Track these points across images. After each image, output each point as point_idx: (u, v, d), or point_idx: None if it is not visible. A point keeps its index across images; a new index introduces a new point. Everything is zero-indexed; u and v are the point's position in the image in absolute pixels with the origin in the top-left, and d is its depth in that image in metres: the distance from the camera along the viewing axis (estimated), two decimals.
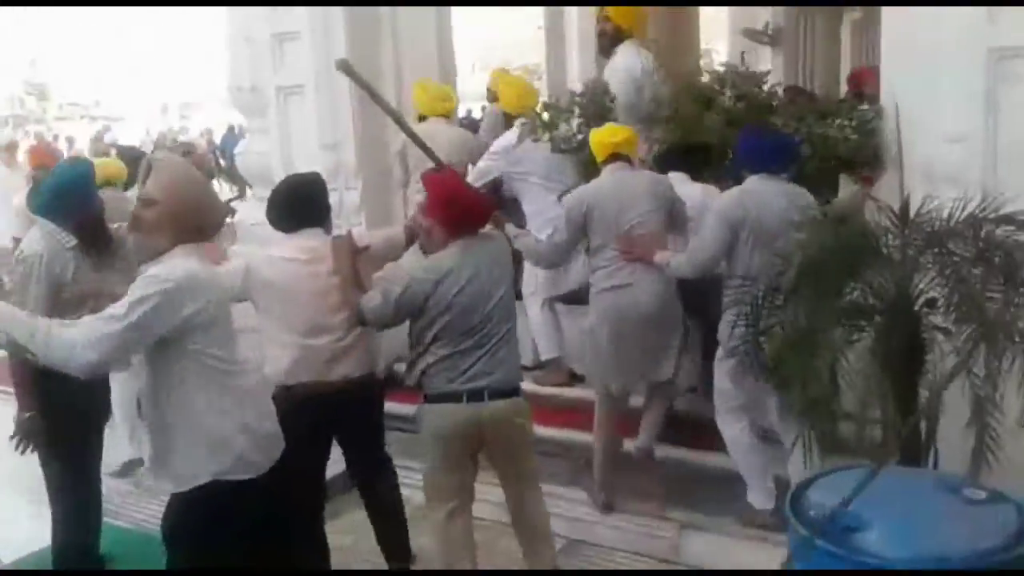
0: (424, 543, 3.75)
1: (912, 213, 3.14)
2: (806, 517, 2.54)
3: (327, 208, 3.74)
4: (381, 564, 3.88)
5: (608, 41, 5.31)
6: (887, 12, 4.26)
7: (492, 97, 7.79)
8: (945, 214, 3.09)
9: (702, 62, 7.20)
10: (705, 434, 4.62)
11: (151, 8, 39.92)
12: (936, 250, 3.07)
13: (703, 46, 12.87)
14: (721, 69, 5.21)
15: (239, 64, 5.88)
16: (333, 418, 3.56)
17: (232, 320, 2.81)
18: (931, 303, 3.09)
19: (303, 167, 5.09)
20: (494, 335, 3.33)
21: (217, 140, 14.68)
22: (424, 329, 3.32)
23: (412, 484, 3.87)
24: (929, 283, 3.09)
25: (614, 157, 4.30)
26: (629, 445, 4.59)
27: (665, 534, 4.15)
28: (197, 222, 2.70)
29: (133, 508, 4.70)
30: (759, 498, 4.04)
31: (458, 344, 3.29)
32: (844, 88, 7.56)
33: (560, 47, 9.90)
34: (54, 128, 32.59)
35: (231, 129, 13.51)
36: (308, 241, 3.56)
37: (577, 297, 5.01)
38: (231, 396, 2.67)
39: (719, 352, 4.01)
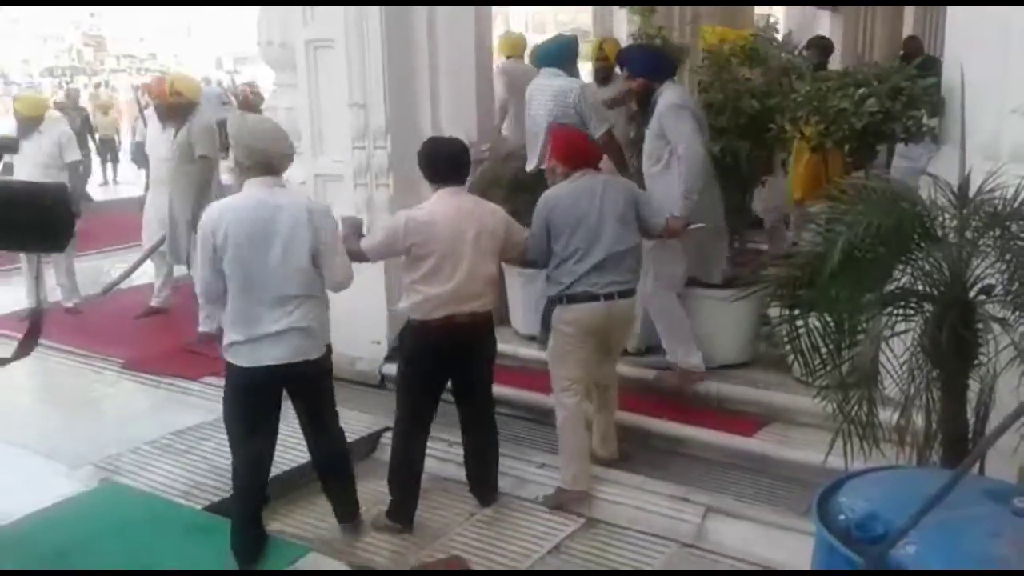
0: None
1: (972, 192, 2.88)
2: (835, 522, 2.32)
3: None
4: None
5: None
6: None
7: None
8: (1010, 193, 2.82)
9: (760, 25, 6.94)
10: (734, 418, 4.60)
11: None
12: (997, 232, 2.81)
13: (761, 11, 12.46)
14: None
15: (270, 18, 5.70)
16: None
17: None
18: (988, 290, 2.83)
19: (330, 124, 4.95)
20: (613, 244, 4.10)
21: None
22: (563, 247, 4.08)
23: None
24: (987, 269, 2.83)
25: None
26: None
27: (690, 518, 3.96)
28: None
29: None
30: (694, 360, 4.79)
31: (589, 258, 4.05)
32: None
33: (608, 11, 9.64)
34: (111, 80, 32.92)
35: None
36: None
37: None
38: None
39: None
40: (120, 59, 42.65)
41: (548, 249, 4.13)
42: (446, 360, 4.03)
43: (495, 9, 6.30)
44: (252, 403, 3.62)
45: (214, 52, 40.63)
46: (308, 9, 5.36)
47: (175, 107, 6.55)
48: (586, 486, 4.16)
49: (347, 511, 3.99)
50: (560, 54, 5.37)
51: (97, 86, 26.67)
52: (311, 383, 3.72)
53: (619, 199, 4.18)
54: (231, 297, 3.52)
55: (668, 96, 4.70)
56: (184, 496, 4.23)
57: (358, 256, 3.94)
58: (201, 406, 5.23)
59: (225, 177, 6.52)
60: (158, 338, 6.56)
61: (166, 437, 4.86)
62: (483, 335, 4.10)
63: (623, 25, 8.97)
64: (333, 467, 3.95)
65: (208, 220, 3.49)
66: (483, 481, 4.25)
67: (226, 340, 3.57)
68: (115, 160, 15.89)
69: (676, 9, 8.84)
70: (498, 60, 7.42)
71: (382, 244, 4.01)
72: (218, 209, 3.52)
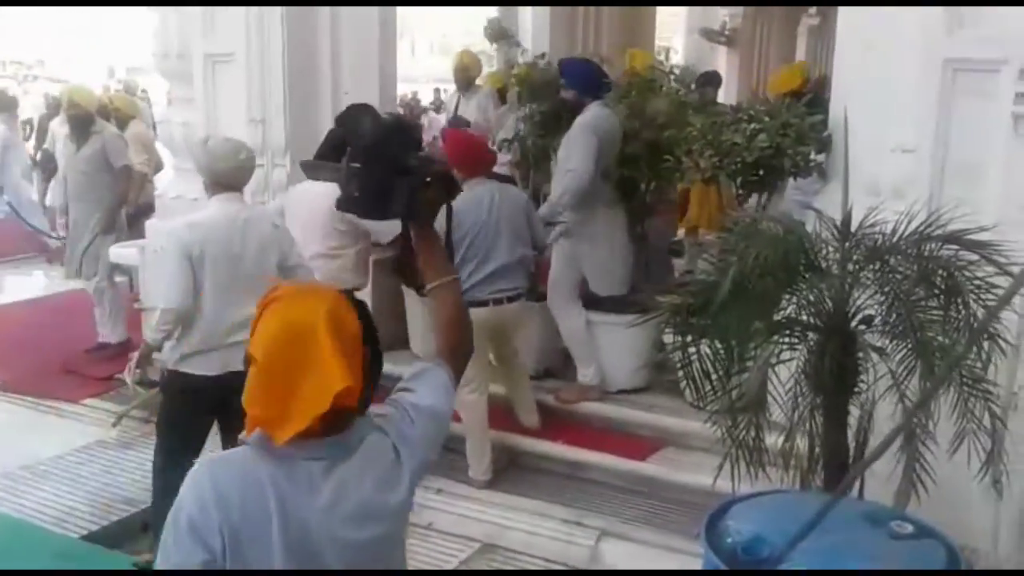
0: None
1: (854, 226, 3.00)
2: (722, 544, 2.37)
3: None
4: None
5: None
6: (843, 16, 4.14)
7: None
8: (889, 229, 2.95)
9: (659, 59, 7.09)
10: (629, 442, 4.63)
11: None
12: (877, 265, 2.93)
13: (661, 43, 12.83)
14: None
15: (167, 28, 5.54)
16: None
17: None
18: (868, 321, 2.95)
19: None
20: (507, 255, 4.30)
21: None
22: (460, 256, 4.06)
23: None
24: (867, 300, 2.95)
25: None
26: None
27: (584, 542, 3.97)
28: None
29: None
30: (591, 374, 4.90)
31: (484, 268, 4.24)
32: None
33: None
34: None
35: None
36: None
37: None
38: None
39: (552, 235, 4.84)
40: (6, 65, 40.71)
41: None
42: None
43: (400, 32, 6.27)
44: (199, 408, 3.67)
45: (106, 61, 39.27)
46: (208, 21, 5.22)
47: (74, 119, 6.28)
48: (490, 475, 4.42)
49: None
50: None
51: None
52: None
53: (514, 211, 4.37)
54: (197, 309, 3.56)
55: (585, 115, 4.82)
56: (58, 524, 4.04)
57: None
58: (80, 430, 4.99)
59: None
60: (36, 357, 6.21)
61: (42, 462, 4.61)
62: None
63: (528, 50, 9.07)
64: None
65: (181, 236, 3.55)
66: None
67: (180, 351, 3.61)
68: None
69: (579, 31, 8.98)
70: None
71: None
72: (188, 226, 3.59)
